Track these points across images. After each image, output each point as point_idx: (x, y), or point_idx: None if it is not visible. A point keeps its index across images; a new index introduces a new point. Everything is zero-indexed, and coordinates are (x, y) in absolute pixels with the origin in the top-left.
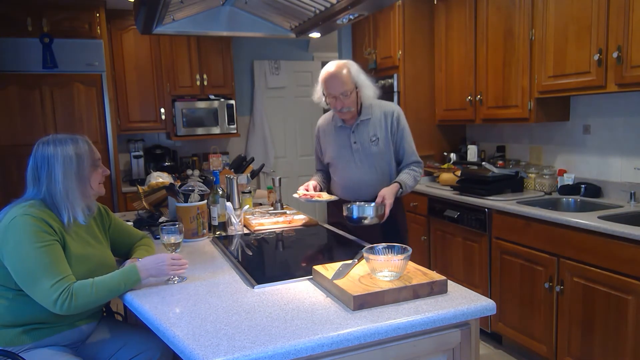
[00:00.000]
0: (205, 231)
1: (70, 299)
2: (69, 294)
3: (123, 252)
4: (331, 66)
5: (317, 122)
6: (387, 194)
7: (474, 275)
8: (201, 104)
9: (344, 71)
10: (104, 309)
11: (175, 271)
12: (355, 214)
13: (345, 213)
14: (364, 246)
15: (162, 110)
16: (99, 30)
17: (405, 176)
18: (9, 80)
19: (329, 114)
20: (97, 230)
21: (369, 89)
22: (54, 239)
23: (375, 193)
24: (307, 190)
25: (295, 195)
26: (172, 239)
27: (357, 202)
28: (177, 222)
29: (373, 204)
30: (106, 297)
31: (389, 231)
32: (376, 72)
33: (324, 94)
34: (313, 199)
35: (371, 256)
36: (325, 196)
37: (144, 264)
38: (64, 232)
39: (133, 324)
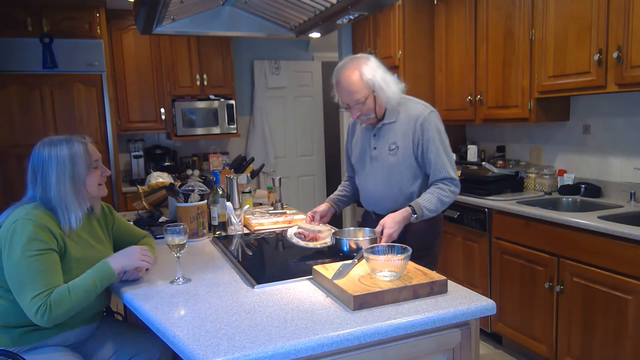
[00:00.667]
0: (205, 231)
1: (50, 311)
2: (47, 306)
3: None
4: (340, 70)
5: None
6: (389, 222)
7: (474, 275)
8: (201, 104)
9: (355, 77)
10: (104, 310)
11: (144, 261)
12: (345, 247)
13: (334, 243)
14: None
15: (162, 110)
16: (99, 30)
17: (426, 197)
18: (9, 80)
19: None
20: (99, 230)
21: (389, 89)
22: (49, 247)
23: (392, 210)
24: (313, 217)
25: (289, 232)
26: (177, 239)
27: (350, 229)
28: (180, 223)
29: (367, 235)
30: (84, 298)
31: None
32: None
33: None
34: (301, 245)
35: (371, 256)
36: (324, 234)
37: (113, 257)
38: (65, 236)
39: (133, 324)
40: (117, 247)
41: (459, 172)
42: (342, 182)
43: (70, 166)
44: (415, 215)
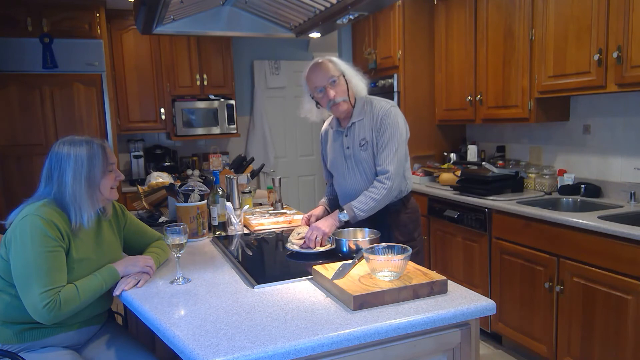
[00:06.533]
0: (205, 231)
1: (59, 309)
2: (56, 303)
3: (137, 251)
4: (312, 62)
5: (322, 127)
6: (315, 226)
7: (474, 275)
8: (201, 104)
9: (326, 62)
10: (107, 312)
11: (143, 269)
12: (345, 247)
13: (333, 245)
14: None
15: (162, 110)
16: (99, 30)
17: (359, 198)
18: (9, 80)
19: (330, 117)
20: (109, 231)
21: (357, 78)
22: (58, 245)
23: None
24: (309, 219)
25: (293, 244)
26: (177, 239)
27: (350, 230)
28: (180, 223)
29: (367, 235)
30: (90, 298)
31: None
32: (376, 72)
33: (311, 97)
34: (303, 250)
35: (371, 256)
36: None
37: (116, 263)
38: (71, 235)
39: (134, 337)
40: (128, 247)
41: (459, 172)
42: (326, 189)
43: (87, 167)
44: (344, 212)
